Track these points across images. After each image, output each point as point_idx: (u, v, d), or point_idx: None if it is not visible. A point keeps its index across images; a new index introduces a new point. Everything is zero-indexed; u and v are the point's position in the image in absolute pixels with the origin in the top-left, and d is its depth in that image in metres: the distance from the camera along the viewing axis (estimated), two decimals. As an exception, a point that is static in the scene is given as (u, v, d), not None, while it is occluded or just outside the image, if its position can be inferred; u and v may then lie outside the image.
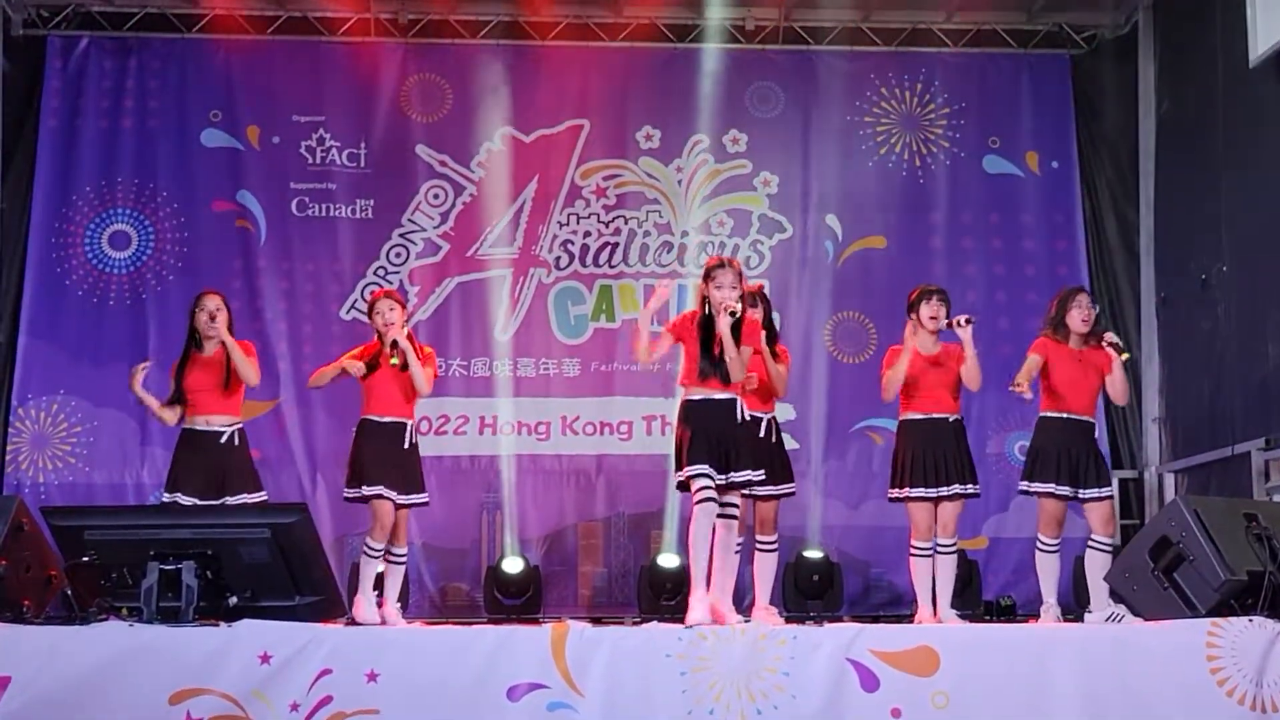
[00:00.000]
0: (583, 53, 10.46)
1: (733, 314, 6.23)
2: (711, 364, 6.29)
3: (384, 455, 7.12)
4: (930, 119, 10.51)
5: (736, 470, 6.24)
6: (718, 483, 6.19)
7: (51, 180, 10.01)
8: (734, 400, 6.34)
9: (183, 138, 10.13)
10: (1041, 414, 7.12)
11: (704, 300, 6.41)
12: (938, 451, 7.00)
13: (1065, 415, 7.03)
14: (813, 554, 9.43)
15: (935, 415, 7.05)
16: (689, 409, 6.32)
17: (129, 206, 10.04)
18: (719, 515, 6.23)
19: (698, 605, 6.06)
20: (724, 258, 6.50)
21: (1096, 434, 7.21)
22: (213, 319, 7.20)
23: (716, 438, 6.23)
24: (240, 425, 7.33)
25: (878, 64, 10.56)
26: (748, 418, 6.44)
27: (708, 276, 6.38)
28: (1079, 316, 7.08)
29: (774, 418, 7.24)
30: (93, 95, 10.10)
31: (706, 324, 6.34)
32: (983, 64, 10.62)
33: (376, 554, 7.15)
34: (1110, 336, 7.07)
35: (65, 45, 10.14)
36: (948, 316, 7.05)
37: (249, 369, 7.27)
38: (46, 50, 10.11)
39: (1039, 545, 7.06)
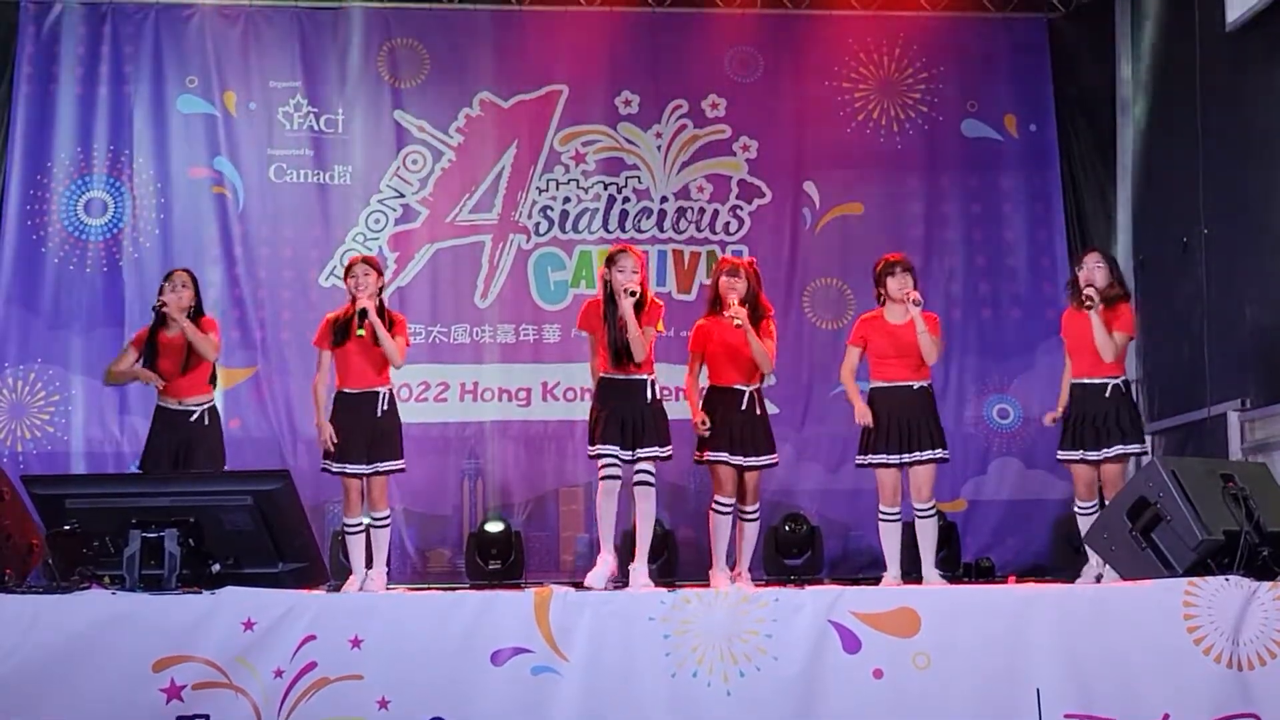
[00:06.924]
0: (561, 17, 10.39)
1: (631, 294, 6.59)
2: (619, 347, 6.68)
3: (354, 427, 7.03)
4: (908, 83, 10.49)
5: (644, 447, 6.67)
6: (624, 459, 6.65)
7: (26, 148, 9.90)
8: (644, 380, 6.75)
9: (158, 104, 10.03)
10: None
11: (606, 285, 6.77)
12: (904, 418, 7.03)
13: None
14: (793, 517, 9.47)
15: (901, 383, 7.09)
16: (603, 386, 6.79)
17: (105, 173, 9.95)
18: (636, 483, 6.67)
19: (599, 566, 6.58)
20: (626, 245, 6.96)
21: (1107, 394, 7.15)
22: (166, 303, 7.36)
23: (627, 416, 6.67)
24: (211, 404, 7.49)
25: (856, 28, 10.51)
26: (658, 396, 6.83)
27: (610, 262, 6.76)
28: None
29: (756, 390, 7.20)
30: (67, 62, 9.99)
31: (611, 308, 6.70)
32: (960, 27, 10.58)
33: (354, 529, 7.10)
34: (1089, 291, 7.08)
35: (39, 11, 10.01)
36: (914, 285, 7.10)
37: (206, 345, 7.38)
38: (20, 17, 9.98)
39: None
